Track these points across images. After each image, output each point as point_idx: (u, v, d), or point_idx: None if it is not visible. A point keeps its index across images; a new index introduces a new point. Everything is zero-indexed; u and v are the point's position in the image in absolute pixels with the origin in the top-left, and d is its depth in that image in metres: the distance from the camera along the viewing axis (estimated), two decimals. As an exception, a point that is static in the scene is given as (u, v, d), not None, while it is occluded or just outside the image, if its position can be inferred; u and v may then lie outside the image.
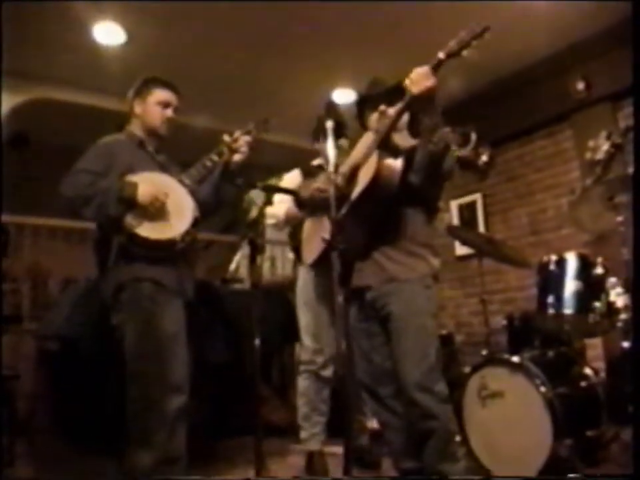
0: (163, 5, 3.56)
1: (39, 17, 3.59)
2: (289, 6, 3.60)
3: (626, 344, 2.70)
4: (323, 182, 2.46)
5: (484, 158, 4.94)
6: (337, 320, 2.02)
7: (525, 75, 4.55)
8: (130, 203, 2.25)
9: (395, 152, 2.23)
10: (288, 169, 3.31)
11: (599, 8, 3.78)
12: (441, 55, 1.98)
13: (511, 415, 2.66)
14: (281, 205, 3.05)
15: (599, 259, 2.88)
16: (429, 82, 1.99)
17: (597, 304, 2.76)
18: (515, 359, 2.73)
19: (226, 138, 2.58)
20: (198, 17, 3.72)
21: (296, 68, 4.40)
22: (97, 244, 2.43)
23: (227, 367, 3.61)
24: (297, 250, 3.12)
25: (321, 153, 3.03)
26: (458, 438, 2.21)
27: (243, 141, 2.59)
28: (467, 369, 2.99)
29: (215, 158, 2.56)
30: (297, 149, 5.08)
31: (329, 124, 2.11)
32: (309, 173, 3.15)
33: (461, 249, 4.90)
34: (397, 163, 2.20)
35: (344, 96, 4.58)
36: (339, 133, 2.25)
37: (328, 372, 3.02)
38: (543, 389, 2.56)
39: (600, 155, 3.74)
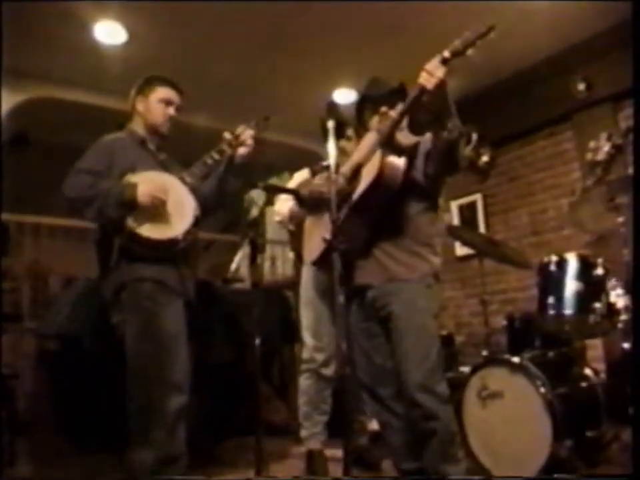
0: (164, 5, 3.55)
1: (40, 16, 3.59)
2: (290, 6, 3.60)
3: (626, 345, 2.70)
4: (323, 182, 2.47)
5: (484, 158, 4.94)
6: (337, 319, 2.02)
7: (526, 76, 4.55)
8: (130, 205, 2.25)
9: (398, 150, 2.23)
10: (288, 168, 3.32)
11: (600, 9, 3.78)
12: (446, 53, 1.96)
13: (511, 416, 2.66)
14: (285, 203, 3.05)
15: (600, 260, 2.87)
16: (441, 73, 1.97)
17: (598, 305, 2.76)
18: (515, 359, 2.73)
19: (227, 135, 2.58)
20: (199, 17, 3.72)
21: (297, 68, 4.40)
22: (98, 243, 2.43)
23: (227, 366, 3.61)
24: (298, 249, 3.13)
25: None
26: (459, 438, 2.21)
27: (246, 134, 2.59)
28: (467, 370, 2.99)
29: (216, 156, 2.55)
30: (298, 148, 5.09)
31: (330, 124, 2.11)
32: (317, 172, 3.15)
33: (461, 250, 4.90)
34: (400, 161, 2.20)
35: (345, 96, 4.58)
36: (340, 133, 2.25)
37: (329, 370, 3.02)
38: (543, 389, 2.56)
39: (601, 156, 3.73)
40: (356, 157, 2.38)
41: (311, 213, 2.68)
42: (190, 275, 2.49)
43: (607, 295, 2.79)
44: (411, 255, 2.25)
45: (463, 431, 2.76)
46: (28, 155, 4.80)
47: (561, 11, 3.78)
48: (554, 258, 2.93)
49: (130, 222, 2.26)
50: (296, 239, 3.14)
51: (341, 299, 1.94)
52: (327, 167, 3.16)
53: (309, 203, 2.63)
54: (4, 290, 4.52)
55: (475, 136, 4.77)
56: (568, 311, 2.81)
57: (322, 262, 2.41)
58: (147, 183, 2.30)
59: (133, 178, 2.32)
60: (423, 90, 2.01)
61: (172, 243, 2.34)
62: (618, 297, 2.77)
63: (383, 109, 2.27)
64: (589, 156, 3.96)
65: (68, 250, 5.36)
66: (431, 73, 1.97)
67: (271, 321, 3.10)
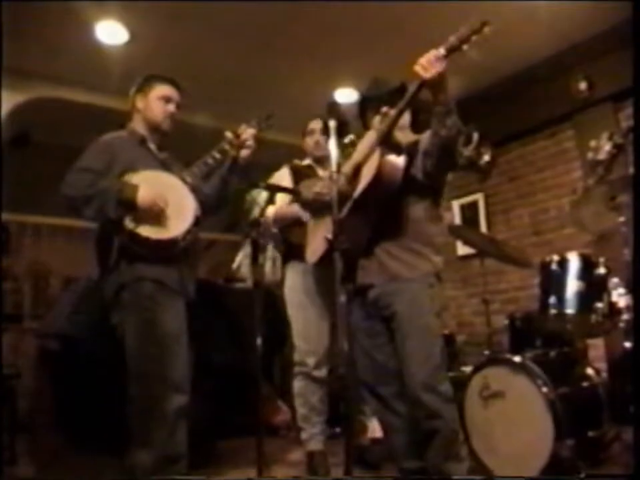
0: (166, 5, 3.55)
1: (41, 16, 3.59)
2: (291, 5, 3.59)
3: (628, 344, 2.69)
4: (325, 183, 2.46)
5: (486, 158, 4.93)
6: (339, 319, 2.02)
7: (527, 75, 4.54)
8: (129, 206, 2.25)
9: (397, 149, 2.23)
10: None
11: (601, 8, 3.77)
12: (442, 49, 1.98)
13: (512, 415, 2.66)
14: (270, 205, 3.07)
15: (601, 259, 2.87)
16: (440, 66, 1.98)
17: (599, 304, 2.76)
18: (517, 358, 2.72)
19: (228, 135, 2.58)
20: (200, 16, 3.71)
21: (298, 67, 4.39)
22: (98, 243, 2.43)
23: (228, 366, 3.61)
24: (287, 251, 3.12)
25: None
26: (461, 437, 2.21)
27: (248, 134, 2.58)
28: (469, 369, 2.98)
29: (218, 156, 2.55)
30: (298, 148, 5.09)
31: (331, 123, 2.11)
32: (298, 172, 3.16)
33: (463, 249, 4.90)
34: (399, 160, 2.19)
35: (346, 95, 4.57)
36: (341, 132, 2.25)
37: (321, 372, 3.02)
38: (544, 389, 2.55)
39: (602, 155, 3.72)
40: (356, 156, 2.38)
41: (314, 214, 2.68)
42: (191, 275, 2.49)
43: (609, 294, 2.78)
44: (413, 254, 2.24)
45: (465, 431, 2.75)
46: (28, 155, 4.80)
47: (561, 11, 3.77)
48: (555, 257, 2.92)
49: (129, 222, 2.25)
50: (285, 241, 3.13)
51: (342, 298, 1.94)
52: (308, 167, 3.19)
53: (310, 203, 2.63)
54: (5, 290, 4.52)
55: (476, 135, 4.77)
56: (569, 310, 2.80)
57: (324, 262, 2.41)
58: (148, 186, 2.29)
59: (133, 177, 2.32)
60: (422, 82, 2.01)
61: (172, 243, 2.34)
62: (619, 297, 2.77)
63: (384, 109, 2.26)
64: (590, 155, 3.95)
65: (68, 250, 5.37)
66: (429, 63, 1.98)
67: (272, 320, 3.09)
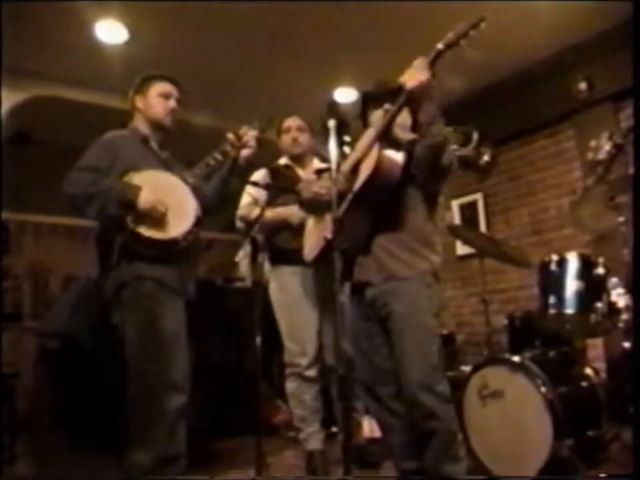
0: (166, 4, 3.55)
1: (41, 15, 3.58)
2: (291, 5, 3.59)
3: (627, 344, 2.70)
4: (324, 182, 2.46)
5: (485, 157, 4.93)
6: (337, 319, 2.02)
7: (527, 75, 4.54)
8: (131, 206, 2.25)
9: (396, 145, 2.23)
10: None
11: (600, 8, 3.77)
12: (440, 45, 2.01)
13: (511, 415, 2.65)
14: (245, 209, 3.07)
15: (600, 259, 2.87)
16: (423, 76, 2.02)
17: (598, 304, 2.76)
18: (516, 358, 2.72)
19: (230, 136, 2.58)
20: (200, 16, 3.71)
21: (298, 67, 4.39)
22: (99, 242, 2.43)
23: (227, 366, 3.61)
24: (273, 255, 3.11)
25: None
26: (460, 437, 2.21)
27: (250, 136, 2.59)
28: (468, 369, 2.98)
29: (219, 157, 2.56)
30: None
31: (331, 123, 2.11)
32: (276, 171, 3.16)
33: (462, 249, 4.90)
34: (398, 155, 2.20)
35: (346, 95, 4.58)
36: (341, 132, 2.25)
37: (312, 372, 3.03)
38: (543, 388, 2.55)
39: (601, 155, 3.73)
40: (354, 153, 2.38)
41: (312, 213, 2.68)
42: (190, 275, 2.49)
43: (608, 294, 2.78)
44: (410, 252, 2.24)
45: (464, 430, 2.76)
46: (29, 154, 4.80)
47: (561, 10, 3.77)
48: (555, 257, 2.92)
49: (131, 221, 2.25)
50: (271, 244, 3.13)
51: (342, 298, 1.94)
52: (285, 166, 3.19)
53: (309, 203, 2.63)
54: (5, 289, 4.52)
55: (475, 135, 4.77)
56: (569, 310, 2.80)
57: (320, 260, 2.41)
58: (150, 189, 2.29)
59: (135, 177, 2.32)
60: (407, 93, 2.04)
61: (172, 243, 2.34)
62: (619, 296, 2.77)
63: (386, 106, 2.27)
64: (590, 155, 3.96)
65: (68, 249, 5.38)
66: (414, 74, 2.02)
67: (271, 319, 3.09)
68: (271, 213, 2.98)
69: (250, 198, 3.09)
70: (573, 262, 2.88)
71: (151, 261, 2.31)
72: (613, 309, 2.76)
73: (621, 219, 2.85)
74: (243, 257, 4.07)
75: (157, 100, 2.54)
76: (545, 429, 2.49)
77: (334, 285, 1.94)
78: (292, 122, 3.20)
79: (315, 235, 2.49)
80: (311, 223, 2.69)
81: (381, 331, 2.27)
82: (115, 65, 4.08)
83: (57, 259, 5.33)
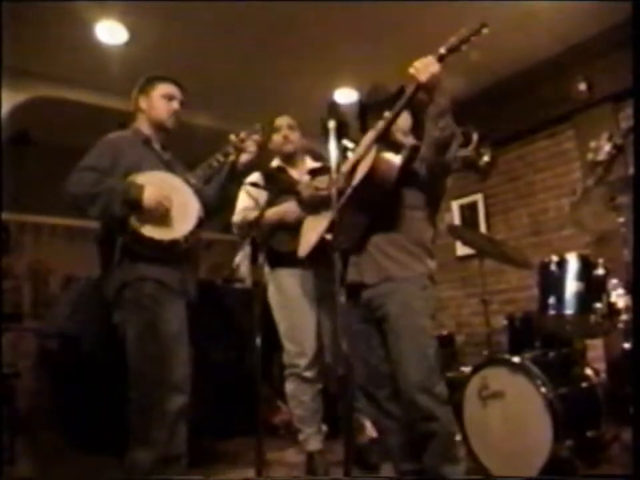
0: (166, 4, 3.55)
1: (41, 16, 3.58)
2: (291, 5, 3.60)
3: (627, 345, 2.70)
4: (324, 180, 2.47)
5: (485, 158, 4.94)
6: (338, 320, 2.02)
7: (527, 76, 4.55)
8: (135, 205, 2.25)
9: (396, 148, 2.23)
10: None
11: (600, 9, 3.77)
12: (442, 50, 2.02)
13: (511, 415, 2.66)
14: (240, 215, 3.07)
15: (600, 260, 2.87)
16: (435, 69, 2.02)
17: (598, 305, 2.76)
18: (516, 359, 2.72)
19: (232, 137, 2.58)
20: (200, 16, 3.71)
21: (298, 67, 4.39)
22: (100, 242, 2.43)
23: (227, 366, 3.61)
24: (270, 258, 3.11)
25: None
26: (458, 438, 2.21)
27: (250, 140, 2.59)
28: (468, 369, 2.99)
29: (221, 158, 2.56)
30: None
31: (331, 124, 2.11)
32: (270, 175, 3.15)
33: (462, 249, 4.89)
34: (395, 158, 2.20)
35: (346, 95, 4.58)
36: (340, 133, 2.25)
37: (311, 373, 3.03)
38: (543, 389, 2.56)
39: (601, 156, 3.73)
40: (354, 155, 2.38)
41: (310, 211, 2.68)
42: (192, 276, 2.49)
43: (608, 295, 2.79)
44: (406, 254, 2.24)
45: (464, 431, 2.76)
46: (29, 155, 4.80)
47: (561, 10, 3.78)
48: (554, 258, 2.93)
49: (133, 221, 2.25)
50: (268, 247, 3.13)
51: (341, 299, 1.94)
52: (278, 169, 3.19)
53: (308, 201, 2.63)
54: (5, 289, 4.53)
55: (475, 136, 4.78)
56: (568, 311, 2.81)
57: (313, 257, 2.40)
58: (154, 186, 2.30)
59: (138, 178, 2.32)
60: (418, 85, 2.03)
61: (174, 244, 2.34)
62: (618, 297, 2.77)
63: (386, 114, 2.27)
64: (590, 156, 3.95)
65: (68, 249, 5.38)
66: (424, 66, 1.99)
67: (271, 320, 3.09)
68: (267, 213, 2.98)
69: (246, 202, 3.07)
70: (572, 263, 2.88)
71: (152, 261, 2.31)
72: (612, 309, 2.76)
73: (621, 219, 2.85)
74: (242, 258, 4.08)
75: (160, 101, 2.55)
76: (545, 429, 2.49)
77: (334, 286, 1.94)
78: (282, 120, 3.18)
79: (311, 232, 2.49)
80: (307, 221, 2.70)
81: (377, 333, 2.27)
82: (115, 65, 4.09)
83: (57, 259, 5.34)
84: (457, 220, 5.19)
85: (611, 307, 2.76)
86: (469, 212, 5.12)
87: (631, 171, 2.87)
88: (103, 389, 3.08)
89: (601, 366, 3.40)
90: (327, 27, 3.93)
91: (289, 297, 3.05)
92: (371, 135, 2.31)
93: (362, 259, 2.28)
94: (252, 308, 2.45)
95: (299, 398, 3.03)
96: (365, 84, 2.52)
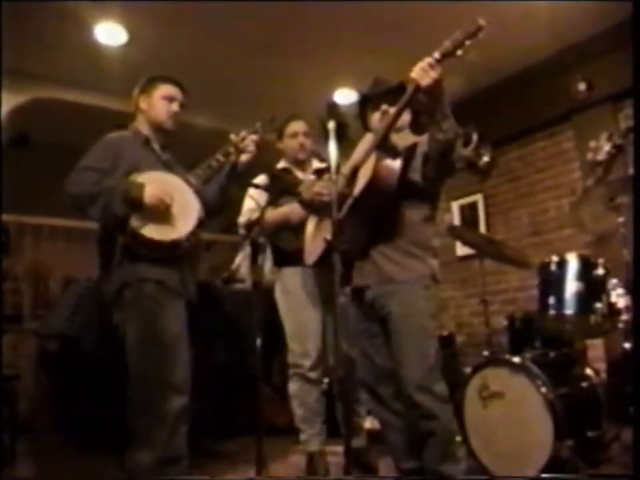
0: (165, 6, 3.56)
1: (41, 17, 3.59)
2: (291, 6, 3.60)
3: (627, 345, 2.70)
4: (325, 183, 2.47)
5: (485, 158, 4.93)
6: (338, 320, 2.02)
7: (526, 76, 4.54)
8: (136, 204, 2.25)
9: (393, 152, 2.23)
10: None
11: (600, 9, 3.77)
12: (437, 54, 1.99)
13: (511, 415, 2.66)
14: (246, 216, 3.07)
15: (600, 260, 2.87)
16: (436, 73, 2.00)
17: (598, 305, 2.76)
18: (516, 359, 2.72)
19: (232, 137, 2.58)
20: (200, 18, 3.72)
21: (298, 68, 4.40)
22: (100, 243, 2.43)
23: (228, 367, 3.61)
24: (277, 257, 3.12)
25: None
26: (458, 438, 2.21)
27: (250, 140, 2.59)
28: (468, 370, 2.98)
29: (221, 158, 2.56)
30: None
31: (331, 124, 2.11)
32: (275, 177, 3.15)
33: (462, 250, 4.90)
34: (395, 164, 2.20)
35: (346, 96, 4.58)
36: (340, 134, 2.26)
37: (316, 373, 3.03)
38: (543, 389, 2.56)
39: (601, 156, 3.73)
40: (354, 158, 2.39)
41: (313, 215, 2.68)
42: (192, 276, 2.49)
43: (608, 295, 2.79)
44: (408, 256, 2.25)
45: (464, 431, 2.76)
46: (28, 156, 4.80)
47: (561, 10, 3.78)
48: (554, 258, 2.93)
49: (134, 222, 2.26)
50: (275, 247, 3.13)
51: (342, 299, 1.95)
52: (283, 170, 3.19)
53: (310, 204, 2.63)
54: (5, 291, 4.52)
55: (475, 136, 4.77)
56: (569, 311, 2.81)
57: (322, 263, 2.41)
58: (154, 184, 2.30)
59: (139, 177, 2.32)
60: (417, 87, 2.02)
61: (175, 244, 2.34)
62: (619, 297, 2.77)
63: (384, 106, 2.28)
64: (590, 156, 3.95)
65: (68, 251, 5.38)
66: (425, 70, 1.98)
67: (272, 321, 3.09)
68: (271, 213, 2.98)
69: (252, 203, 3.07)
70: (572, 263, 2.88)
71: (152, 262, 2.31)
72: (612, 309, 2.76)
73: (621, 219, 2.86)
74: (242, 259, 4.07)
75: (161, 102, 2.55)
76: (546, 429, 2.49)
77: (334, 287, 1.94)
78: (299, 127, 3.16)
79: (315, 239, 2.50)
80: (310, 226, 2.70)
81: (381, 331, 2.28)
82: (114, 66, 4.09)
83: (56, 260, 5.33)
84: (457, 220, 5.19)
85: (611, 307, 2.76)
86: (469, 212, 5.12)
87: (631, 171, 2.87)
88: (103, 390, 3.08)
89: (601, 366, 3.39)
90: (326, 27, 3.93)
91: (295, 297, 3.05)
92: (369, 138, 2.32)
93: (365, 264, 2.30)
94: (252, 309, 2.45)
95: (302, 398, 3.03)
96: (364, 84, 2.52)
